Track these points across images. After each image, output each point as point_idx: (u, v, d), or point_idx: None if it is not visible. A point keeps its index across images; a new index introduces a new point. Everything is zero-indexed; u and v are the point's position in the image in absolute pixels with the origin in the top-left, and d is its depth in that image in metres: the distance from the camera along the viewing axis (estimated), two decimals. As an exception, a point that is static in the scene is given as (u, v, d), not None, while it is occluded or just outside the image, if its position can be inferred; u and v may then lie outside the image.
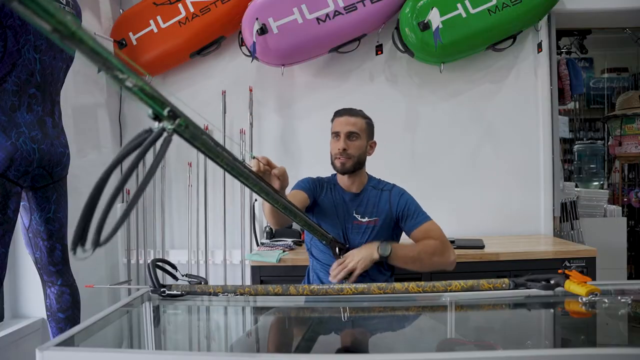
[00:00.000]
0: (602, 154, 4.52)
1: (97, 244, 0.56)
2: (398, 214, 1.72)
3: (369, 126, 1.75)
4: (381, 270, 1.73)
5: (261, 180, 1.08)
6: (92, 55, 0.53)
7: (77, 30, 0.50)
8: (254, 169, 1.14)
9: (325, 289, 1.21)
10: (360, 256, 1.53)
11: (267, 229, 2.62)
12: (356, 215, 1.72)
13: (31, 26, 1.60)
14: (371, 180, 1.80)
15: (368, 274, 1.69)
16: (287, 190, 1.36)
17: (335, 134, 1.70)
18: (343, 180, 1.77)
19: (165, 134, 0.63)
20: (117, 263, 2.84)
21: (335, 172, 1.78)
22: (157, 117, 0.62)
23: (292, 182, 1.76)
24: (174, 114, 0.63)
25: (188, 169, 2.80)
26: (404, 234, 1.85)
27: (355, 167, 1.70)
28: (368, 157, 1.77)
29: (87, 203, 0.57)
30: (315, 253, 1.79)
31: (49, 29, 0.49)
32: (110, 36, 2.70)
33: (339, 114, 1.73)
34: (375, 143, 1.79)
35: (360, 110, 1.76)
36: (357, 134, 1.69)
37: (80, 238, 0.56)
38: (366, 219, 1.71)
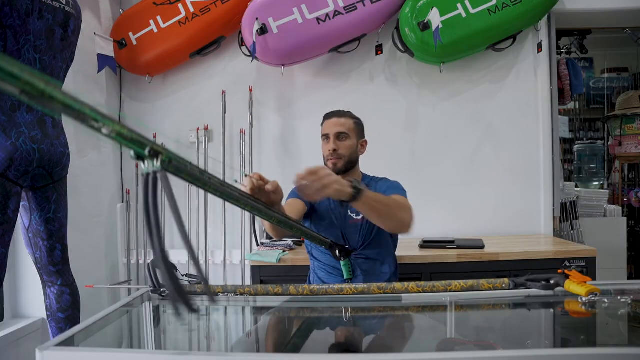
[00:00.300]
0: (602, 154, 4.52)
1: (189, 306, 0.59)
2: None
3: (358, 126, 1.76)
4: (383, 267, 1.73)
5: (253, 200, 1.08)
6: (64, 110, 0.52)
7: (46, 87, 0.49)
8: (248, 186, 1.15)
9: (325, 289, 1.21)
10: (337, 179, 1.28)
11: (267, 229, 2.62)
12: (352, 215, 1.72)
13: (31, 26, 1.60)
14: (365, 179, 1.80)
15: (370, 272, 1.69)
16: (283, 200, 1.36)
17: (325, 137, 1.72)
18: None
19: (159, 175, 0.63)
20: (117, 263, 2.84)
21: None
22: (139, 156, 0.62)
23: (291, 187, 1.77)
24: (155, 152, 0.62)
25: (188, 169, 2.80)
26: (401, 238, 1.85)
27: (347, 166, 1.71)
28: (362, 157, 1.78)
29: (166, 266, 0.59)
30: (316, 254, 1.79)
31: (17, 91, 0.47)
32: (110, 36, 2.69)
33: (327, 117, 1.75)
34: (366, 142, 1.79)
35: (349, 111, 1.77)
36: (346, 134, 1.70)
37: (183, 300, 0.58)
38: (361, 216, 1.71)
